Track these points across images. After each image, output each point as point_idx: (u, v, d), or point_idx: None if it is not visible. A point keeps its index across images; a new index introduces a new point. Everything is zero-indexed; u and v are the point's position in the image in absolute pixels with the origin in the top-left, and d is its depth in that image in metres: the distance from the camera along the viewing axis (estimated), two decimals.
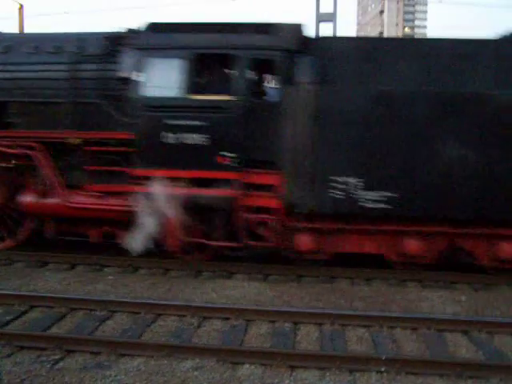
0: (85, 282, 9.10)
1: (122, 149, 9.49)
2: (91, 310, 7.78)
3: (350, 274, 9.53)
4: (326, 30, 27.40)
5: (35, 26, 23.37)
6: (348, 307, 8.02)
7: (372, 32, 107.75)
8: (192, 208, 9.28)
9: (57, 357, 6.32)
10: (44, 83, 9.89)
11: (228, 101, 9.11)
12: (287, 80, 9.11)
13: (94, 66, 9.67)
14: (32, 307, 7.91)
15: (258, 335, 7.06)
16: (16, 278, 9.26)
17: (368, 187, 8.88)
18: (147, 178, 9.27)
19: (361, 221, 9.24)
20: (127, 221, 9.41)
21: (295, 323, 7.37)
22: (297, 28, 9.57)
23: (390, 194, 8.87)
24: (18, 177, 10.26)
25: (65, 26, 15.68)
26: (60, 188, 9.83)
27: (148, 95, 9.28)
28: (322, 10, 21.70)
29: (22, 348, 6.52)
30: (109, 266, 10.04)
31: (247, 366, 6.16)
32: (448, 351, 6.67)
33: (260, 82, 10.05)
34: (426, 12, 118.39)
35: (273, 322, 7.41)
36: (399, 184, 8.87)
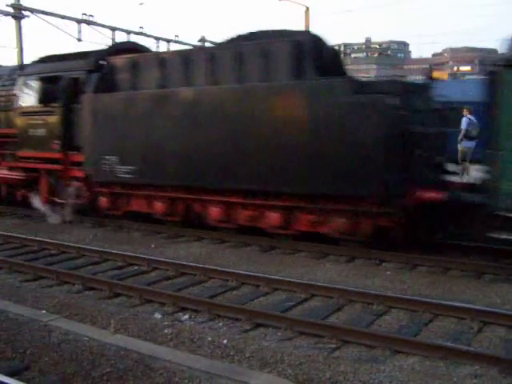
0: (363, 276, 9.25)
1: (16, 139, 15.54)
2: (368, 303, 7.87)
3: None
4: None
5: (319, 26, 24.45)
6: None
7: None
8: (51, 176, 14.86)
9: (333, 346, 6.50)
10: None
11: (55, 106, 14.34)
12: (84, 91, 13.75)
13: (6, 88, 16.20)
14: (312, 295, 8.29)
15: None
16: (299, 267, 9.79)
17: (121, 163, 13.06)
18: (24, 158, 15.36)
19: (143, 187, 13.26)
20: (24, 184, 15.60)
21: None
22: (100, 53, 14.58)
23: (133, 168, 12.90)
24: None
25: (348, 24, 16.06)
26: None
27: (21, 105, 15.26)
28: None
29: (302, 333, 6.87)
30: (387, 261, 10.06)
31: None
32: None
33: (75, 92, 14.22)
34: None
35: None
36: (136, 160, 12.86)
